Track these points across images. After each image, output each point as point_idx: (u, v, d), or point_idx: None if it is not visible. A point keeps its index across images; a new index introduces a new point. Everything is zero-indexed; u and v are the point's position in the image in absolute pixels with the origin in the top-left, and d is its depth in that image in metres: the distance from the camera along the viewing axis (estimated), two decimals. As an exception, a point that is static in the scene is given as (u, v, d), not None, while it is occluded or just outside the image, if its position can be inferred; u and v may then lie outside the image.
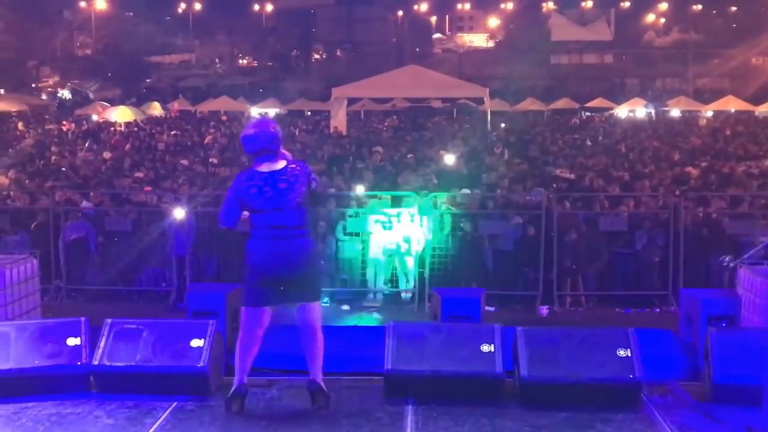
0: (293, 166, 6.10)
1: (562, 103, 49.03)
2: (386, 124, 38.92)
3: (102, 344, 6.53)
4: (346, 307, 11.69)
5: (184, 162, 19.71)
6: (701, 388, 6.62)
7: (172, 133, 31.88)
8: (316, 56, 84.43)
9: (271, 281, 5.99)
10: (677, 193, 13.10)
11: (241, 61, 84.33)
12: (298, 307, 6.14)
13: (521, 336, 6.45)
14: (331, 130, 29.79)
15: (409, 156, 20.18)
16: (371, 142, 25.30)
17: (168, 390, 6.37)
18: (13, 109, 46.28)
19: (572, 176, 16.93)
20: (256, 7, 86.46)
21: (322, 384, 6.12)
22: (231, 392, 6.14)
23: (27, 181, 16.49)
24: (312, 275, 6.12)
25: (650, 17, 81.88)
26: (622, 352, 6.34)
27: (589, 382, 6.23)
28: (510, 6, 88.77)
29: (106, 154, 22.44)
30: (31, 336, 6.57)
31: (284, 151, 6.18)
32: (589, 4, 79.33)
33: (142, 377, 6.42)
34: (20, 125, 36.89)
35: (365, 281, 12.18)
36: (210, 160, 20.42)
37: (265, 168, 6.02)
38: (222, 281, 11.33)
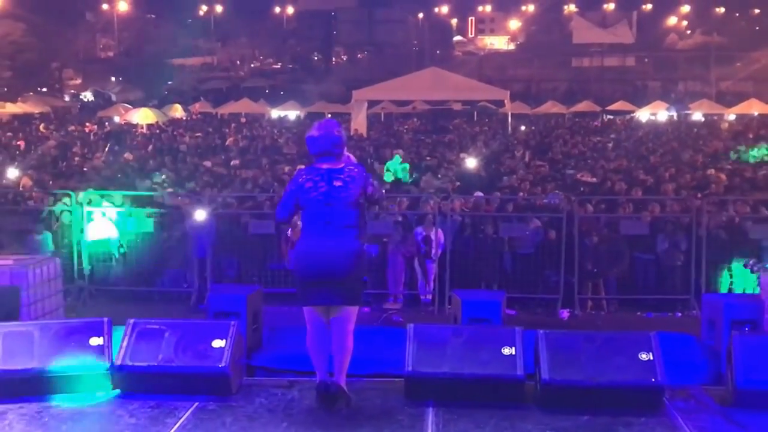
0: (351, 167, 6.22)
1: (584, 106, 48.93)
2: (406, 126, 38.96)
3: (124, 344, 6.56)
4: (365, 309, 11.69)
5: (207, 164, 19.81)
6: (724, 393, 6.56)
7: (196, 135, 32.04)
8: (337, 58, 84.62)
9: (315, 282, 6.05)
10: (699, 196, 13.04)
11: (261, 64, 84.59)
12: (336, 309, 6.17)
13: (542, 339, 6.42)
14: (352, 132, 29.86)
15: (429, 158, 20.20)
16: (392, 145, 25.35)
17: (189, 390, 6.39)
18: (36, 111, 46.73)
19: (594, 179, 16.89)
20: (277, 10, 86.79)
21: (344, 387, 6.15)
22: (315, 392, 6.18)
23: (50, 182, 16.63)
24: (355, 279, 6.12)
25: (672, 20, 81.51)
26: (644, 356, 6.30)
27: (610, 385, 6.19)
28: (531, 8, 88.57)
29: (128, 156, 22.57)
30: (54, 335, 6.61)
31: (348, 154, 6.32)
32: (611, 6, 78.99)
33: (164, 377, 6.44)
34: (42, 127, 37.16)
35: (385, 283, 12.18)
36: (231, 162, 20.52)
37: (325, 166, 6.15)
38: (242, 282, 11.39)
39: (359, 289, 6.24)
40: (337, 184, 6.07)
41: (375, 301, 11.98)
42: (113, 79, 67.03)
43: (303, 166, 7.52)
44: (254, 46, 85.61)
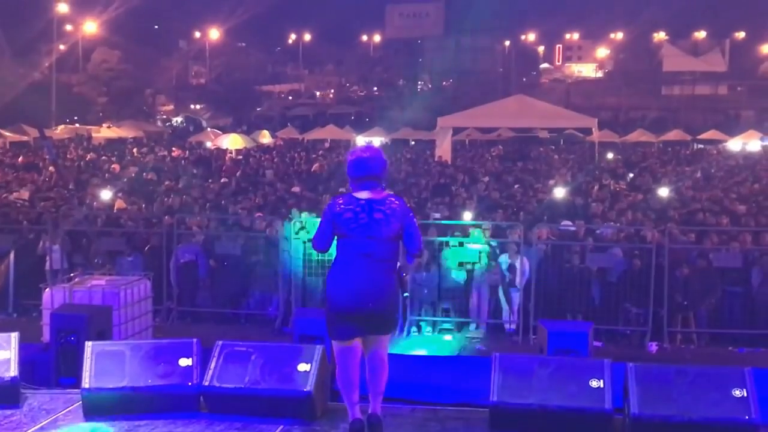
0: (392, 200, 5.87)
1: (674, 135, 47.91)
2: (493, 153, 38.76)
3: (213, 365, 6.65)
4: (448, 338, 11.63)
5: (296, 189, 20.02)
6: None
7: (289, 157, 32.48)
8: (422, 85, 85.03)
9: (349, 316, 5.77)
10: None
11: (347, 91, 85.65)
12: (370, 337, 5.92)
13: (632, 372, 6.27)
14: (436, 158, 29.88)
15: (515, 186, 20.06)
16: (476, 172, 25.29)
17: (275, 413, 6.44)
18: (130, 135, 48.10)
19: (683, 210, 16.50)
20: (365, 38, 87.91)
21: (380, 416, 5.88)
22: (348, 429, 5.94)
23: (143, 205, 17.03)
24: (389, 311, 5.88)
25: (766, 48, 79.47)
26: (737, 392, 6.10)
27: (702, 421, 6.00)
28: (620, 36, 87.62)
29: (225, 180, 22.98)
30: (145, 355, 6.75)
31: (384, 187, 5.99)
32: (703, 34, 77.52)
33: (250, 399, 6.50)
34: (135, 151, 38.12)
35: (468, 311, 12.10)
36: (317, 187, 20.72)
37: (364, 195, 5.82)
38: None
39: (396, 319, 6.06)
40: (378, 216, 5.74)
41: (458, 329, 11.92)
42: (204, 105, 68.72)
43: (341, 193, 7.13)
44: (341, 74, 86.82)
